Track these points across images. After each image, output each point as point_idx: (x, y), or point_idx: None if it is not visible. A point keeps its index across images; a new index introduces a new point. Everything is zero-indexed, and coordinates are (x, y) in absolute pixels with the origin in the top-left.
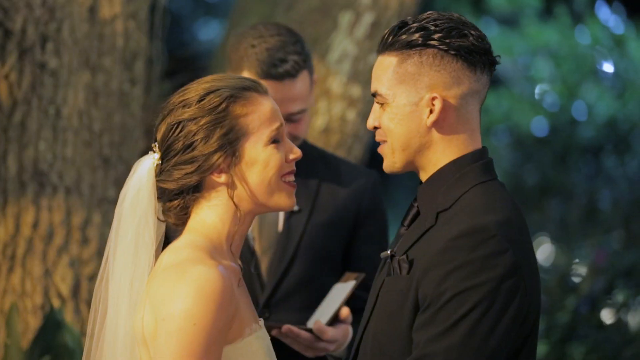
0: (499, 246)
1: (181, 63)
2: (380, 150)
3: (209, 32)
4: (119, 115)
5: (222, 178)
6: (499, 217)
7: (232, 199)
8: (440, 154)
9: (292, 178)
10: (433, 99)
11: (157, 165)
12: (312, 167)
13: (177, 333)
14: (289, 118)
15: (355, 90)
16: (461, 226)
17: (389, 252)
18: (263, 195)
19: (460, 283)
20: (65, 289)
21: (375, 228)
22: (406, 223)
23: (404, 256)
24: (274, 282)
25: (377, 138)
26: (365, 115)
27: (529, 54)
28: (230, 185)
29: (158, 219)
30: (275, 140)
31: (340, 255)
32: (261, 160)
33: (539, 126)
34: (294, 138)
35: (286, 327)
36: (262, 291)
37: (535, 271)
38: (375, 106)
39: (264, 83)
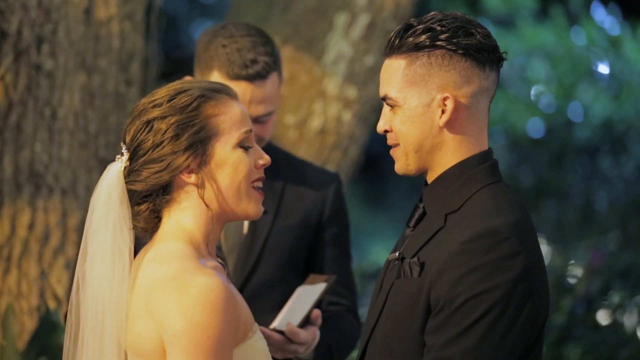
0: (512, 249)
1: (177, 64)
2: (392, 153)
3: None
4: (115, 117)
5: (192, 178)
6: (509, 219)
7: (202, 199)
8: (451, 154)
9: (260, 185)
10: (445, 99)
11: (125, 167)
12: (276, 169)
13: (193, 347)
14: (257, 119)
15: (351, 92)
16: (473, 229)
17: (396, 254)
18: (232, 199)
19: (474, 286)
20: (61, 290)
21: (338, 231)
22: (412, 224)
23: (415, 259)
24: (240, 284)
25: (389, 142)
26: (361, 116)
27: (524, 55)
28: (200, 186)
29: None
30: (243, 145)
31: (304, 257)
32: (231, 163)
33: (535, 127)
34: (259, 140)
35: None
36: None
37: (544, 272)
38: (385, 110)
39: (234, 84)
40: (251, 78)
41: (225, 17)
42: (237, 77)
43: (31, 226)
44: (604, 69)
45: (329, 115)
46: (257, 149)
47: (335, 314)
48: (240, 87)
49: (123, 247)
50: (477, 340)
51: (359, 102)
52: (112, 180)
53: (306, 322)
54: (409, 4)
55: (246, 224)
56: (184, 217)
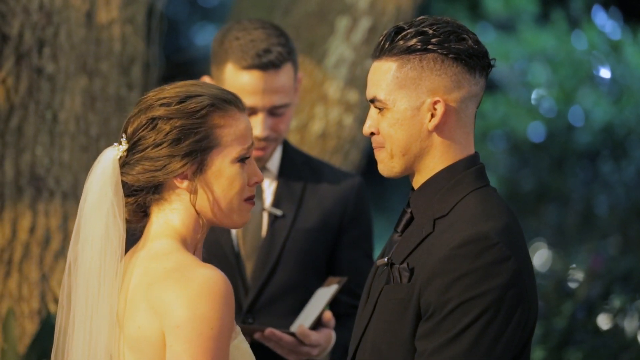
0: (501, 254)
1: (178, 68)
2: (377, 155)
3: (205, 37)
4: (116, 120)
5: (184, 184)
6: (498, 224)
7: (193, 205)
8: (439, 158)
9: (252, 200)
10: (435, 102)
11: (121, 157)
12: (296, 171)
13: (198, 338)
14: (272, 111)
15: (352, 96)
16: (463, 234)
17: (385, 259)
18: (223, 211)
19: (464, 292)
20: None
21: (360, 233)
22: (399, 229)
23: (405, 264)
24: (258, 287)
25: (374, 144)
26: (362, 120)
27: (525, 59)
28: (193, 193)
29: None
30: (242, 159)
31: (325, 260)
32: (226, 176)
33: (535, 131)
34: (276, 134)
35: (269, 330)
36: (246, 296)
37: (532, 276)
38: (373, 112)
39: (247, 73)
40: (264, 67)
41: (226, 20)
42: (250, 67)
43: (32, 229)
44: (605, 73)
45: (330, 119)
46: (253, 165)
47: (353, 316)
48: (253, 76)
49: (114, 235)
50: (468, 346)
51: (360, 106)
52: (107, 168)
53: (318, 323)
54: (410, 7)
55: (265, 227)
56: (174, 217)
